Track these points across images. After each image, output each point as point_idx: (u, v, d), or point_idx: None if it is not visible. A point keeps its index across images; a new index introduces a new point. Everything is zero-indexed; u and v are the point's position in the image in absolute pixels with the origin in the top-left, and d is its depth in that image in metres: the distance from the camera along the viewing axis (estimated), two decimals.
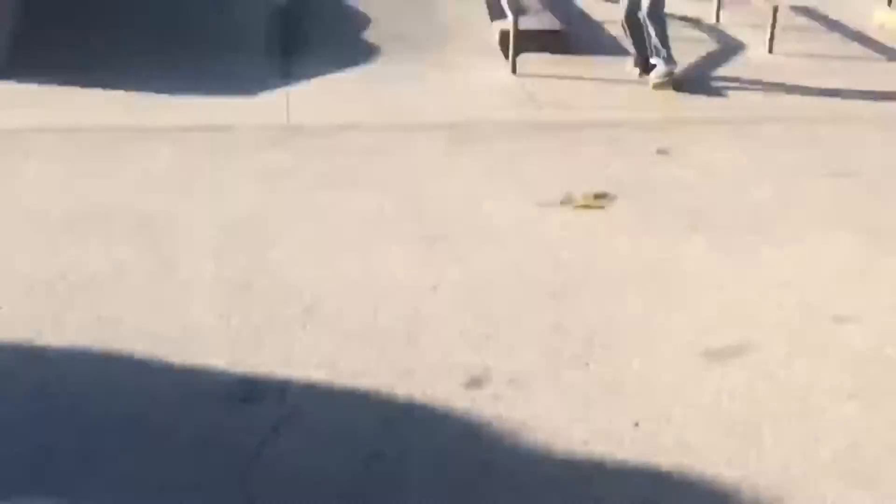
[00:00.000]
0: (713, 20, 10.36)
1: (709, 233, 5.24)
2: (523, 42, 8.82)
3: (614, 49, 9.33)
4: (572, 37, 9.42)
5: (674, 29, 9.84)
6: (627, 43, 8.56)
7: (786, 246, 5.13)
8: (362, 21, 9.55)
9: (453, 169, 6.38)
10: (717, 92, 8.28)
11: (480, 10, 9.80)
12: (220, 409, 3.62)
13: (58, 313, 4.30)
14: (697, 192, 5.88)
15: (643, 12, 7.88)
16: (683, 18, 10.37)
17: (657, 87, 8.00)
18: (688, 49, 9.16)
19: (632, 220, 5.40)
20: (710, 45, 9.66)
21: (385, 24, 9.50)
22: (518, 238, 5.10)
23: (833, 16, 10.76)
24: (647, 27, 7.88)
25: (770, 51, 9.25)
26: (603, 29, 10.14)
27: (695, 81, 8.40)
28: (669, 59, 7.97)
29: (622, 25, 8.11)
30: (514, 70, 8.63)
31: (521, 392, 3.76)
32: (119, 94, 7.71)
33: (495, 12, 9.50)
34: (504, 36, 9.06)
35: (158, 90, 7.78)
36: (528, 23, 9.28)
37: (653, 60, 8.07)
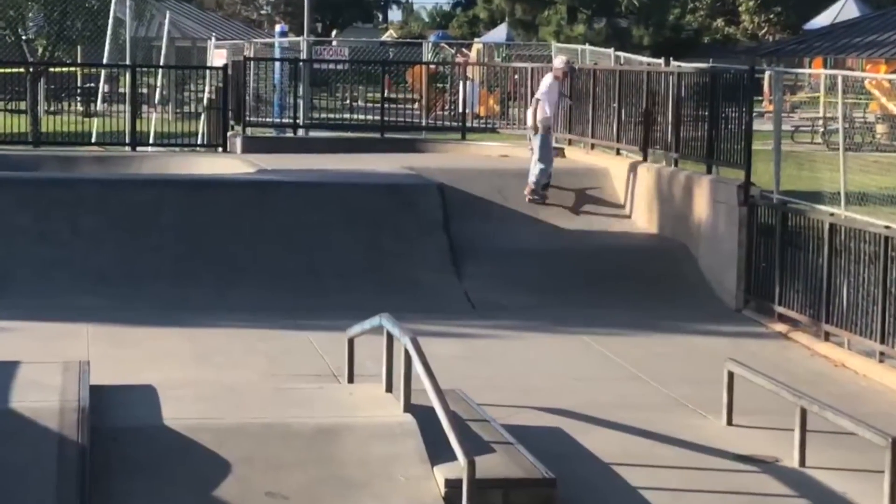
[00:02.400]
0: (795, 462, 10.17)
1: None
2: (484, 499, 8.44)
3: None
4: (563, 489, 8.96)
5: (728, 479, 9.21)
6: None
7: None
8: (216, 472, 8.90)
9: None
10: None
11: (410, 446, 9.12)
12: None
13: None
14: None
15: None
16: (742, 458, 10.20)
17: None
18: None
19: None
20: None
21: (253, 476, 8.89)
22: None
23: None
24: None
25: None
26: (615, 475, 9.78)
27: None
28: None
29: None
30: None
31: None
32: None
33: (438, 449, 8.95)
34: (453, 489, 8.54)
35: None
36: (491, 466, 8.87)
37: None
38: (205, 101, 28.10)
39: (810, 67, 43.78)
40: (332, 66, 32.51)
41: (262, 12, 74.97)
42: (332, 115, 28.61)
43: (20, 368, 10.25)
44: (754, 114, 17.21)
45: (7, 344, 13.12)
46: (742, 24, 66.59)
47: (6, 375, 9.95)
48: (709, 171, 17.44)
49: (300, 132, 26.27)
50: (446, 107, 29.19)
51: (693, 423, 11.20)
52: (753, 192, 16.06)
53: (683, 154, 18.39)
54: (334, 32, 66.09)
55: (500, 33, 54.49)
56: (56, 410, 9.11)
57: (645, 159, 19.65)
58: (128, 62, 29.26)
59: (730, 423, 11.10)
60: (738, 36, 66.42)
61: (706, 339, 14.59)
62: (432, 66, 32.51)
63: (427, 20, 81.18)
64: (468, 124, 26.36)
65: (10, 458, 8.67)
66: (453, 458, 8.47)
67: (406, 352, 9.47)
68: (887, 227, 13.40)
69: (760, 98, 36.45)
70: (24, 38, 35.66)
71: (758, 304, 15.73)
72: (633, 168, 19.75)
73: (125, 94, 26.72)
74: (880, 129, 33.96)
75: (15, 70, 33.33)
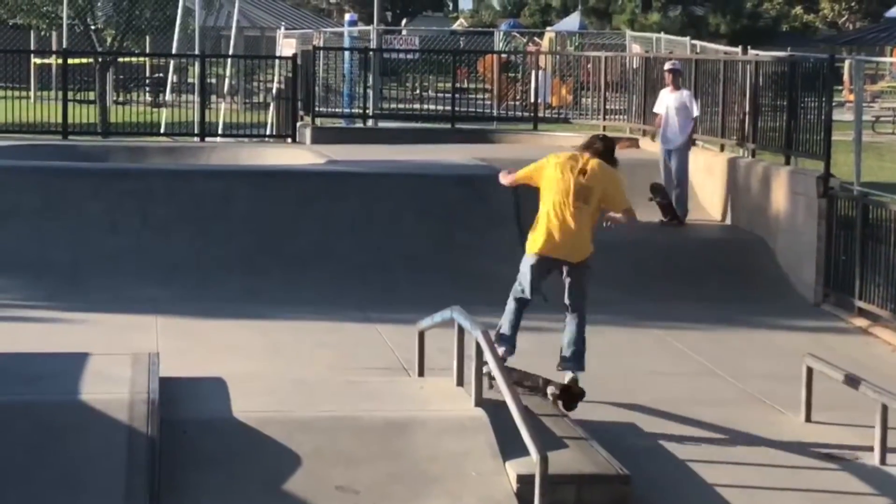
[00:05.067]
0: (875, 460, 10.10)
1: None
2: (557, 495, 8.39)
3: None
4: (638, 486, 8.96)
5: (807, 477, 9.13)
6: None
7: None
8: (286, 466, 8.95)
9: None
10: None
11: (482, 440, 9.16)
12: None
13: None
14: None
15: None
16: (821, 456, 10.21)
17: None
18: None
19: None
20: None
21: (324, 470, 8.93)
22: None
23: None
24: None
25: None
26: (691, 472, 9.66)
27: None
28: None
29: None
30: None
31: None
32: None
33: (510, 445, 8.95)
34: (526, 485, 8.51)
35: None
36: (564, 462, 8.90)
37: None
38: (274, 91, 28.25)
39: (892, 56, 43.37)
40: (402, 55, 32.58)
41: (332, 1, 75.22)
42: (401, 106, 28.68)
43: (90, 360, 10.34)
44: (834, 103, 17.05)
45: (77, 335, 13.26)
46: (821, 11, 66.07)
47: (76, 367, 10.05)
48: (787, 162, 17.32)
49: (370, 122, 26.37)
50: (518, 97, 29.18)
51: (771, 420, 11.13)
52: (833, 184, 15.93)
53: (761, 145, 18.29)
54: (404, 21, 66.24)
55: (572, 22, 54.35)
56: (126, 402, 9.18)
57: (721, 150, 19.54)
58: (196, 52, 29.46)
59: (808, 419, 11.02)
60: (817, 24, 65.93)
61: (784, 333, 14.50)
62: (504, 56, 32.49)
63: (498, 9, 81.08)
64: (540, 114, 26.33)
65: (79, 450, 8.76)
66: (525, 453, 8.47)
67: (477, 345, 9.48)
68: None
69: (840, 87, 36.16)
70: (92, 27, 36.00)
71: (837, 299, 15.60)
72: (709, 159, 19.64)
73: (194, 84, 26.93)
74: None
75: (84, 60, 33.67)
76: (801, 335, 14.29)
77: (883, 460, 9.96)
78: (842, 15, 64.71)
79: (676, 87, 18.82)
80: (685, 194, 18.66)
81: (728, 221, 18.63)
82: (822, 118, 16.34)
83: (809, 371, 11.02)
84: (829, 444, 10.43)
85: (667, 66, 19.34)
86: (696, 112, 18.67)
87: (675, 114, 18.64)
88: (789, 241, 16.78)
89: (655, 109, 19.24)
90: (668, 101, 18.80)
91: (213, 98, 28.86)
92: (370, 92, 26.80)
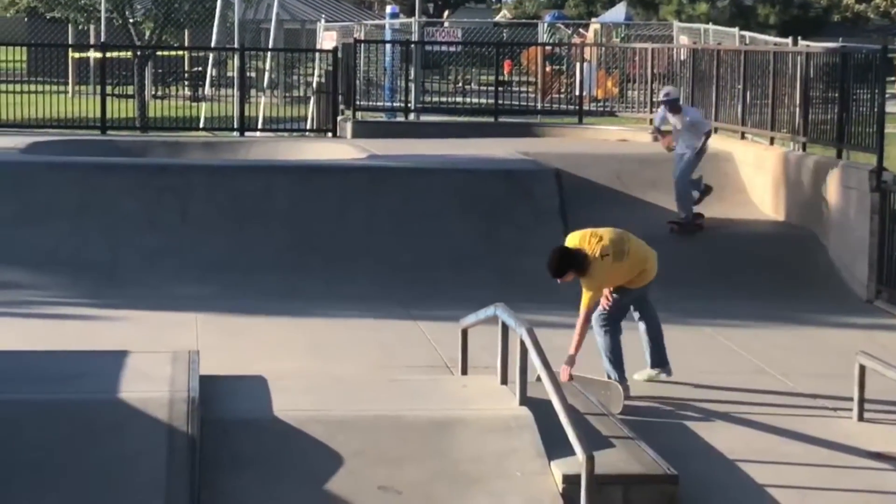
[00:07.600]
0: None
1: None
2: (604, 495, 8.40)
3: None
4: (686, 486, 8.90)
5: (860, 477, 9.09)
6: None
7: None
8: (328, 465, 8.99)
9: None
10: None
11: (527, 440, 9.13)
12: None
13: None
14: None
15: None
16: (875, 456, 10.14)
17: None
18: None
19: None
20: None
21: (366, 470, 8.98)
22: None
23: None
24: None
25: None
26: (740, 471, 9.64)
27: None
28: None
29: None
30: None
31: None
32: None
33: (555, 444, 8.97)
34: (571, 485, 8.52)
35: None
36: (611, 462, 8.88)
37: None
38: (314, 85, 28.31)
39: None
40: (444, 48, 32.56)
41: None
42: (444, 99, 28.68)
43: (129, 358, 10.41)
44: (887, 95, 16.95)
45: (115, 333, 13.34)
46: (874, 1, 65.61)
47: (115, 365, 10.11)
48: (839, 156, 17.23)
49: (411, 116, 26.37)
50: (562, 89, 29.12)
51: (822, 419, 11.09)
52: (886, 178, 15.84)
53: (812, 138, 18.20)
54: (446, 13, 66.19)
55: (618, 13, 54.11)
56: (166, 401, 9.22)
57: (771, 143, 19.46)
58: (236, 45, 29.54)
59: (861, 418, 10.97)
60: (869, 14, 65.45)
61: (836, 331, 14.43)
62: (548, 48, 32.44)
63: None
64: (585, 108, 26.25)
65: (119, 450, 8.81)
66: (571, 452, 8.47)
67: (522, 343, 9.47)
68: None
69: (893, 79, 35.93)
70: (131, 21, 36.18)
71: (890, 295, 15.52)
72: (759, 153, 19.57)
73: (233, 78, 27.00)
74: None
75: (122, 54, 33.82)
76: (854, 332, 14.22)
77: None
78: (895, 5, 64.26)
79: (676, 112, 17.95)
80: (682, 193, 17.91)
81: (778, 217, 18.55)
82: (875, 110, 16.25)
83: (862, 369, 10.97)
84: (882, 443, 10.39)
85: (661, 96, 18.46)
86: (708, 126, 18.29)
87: (685, 133, 17.89)
88: (841, 237, 16.70)
89: (657, 123, 18.57)
90: (673, 122, 18.06)
91: (253, 92, 28.94)
92: (412, 85, 26.80)
